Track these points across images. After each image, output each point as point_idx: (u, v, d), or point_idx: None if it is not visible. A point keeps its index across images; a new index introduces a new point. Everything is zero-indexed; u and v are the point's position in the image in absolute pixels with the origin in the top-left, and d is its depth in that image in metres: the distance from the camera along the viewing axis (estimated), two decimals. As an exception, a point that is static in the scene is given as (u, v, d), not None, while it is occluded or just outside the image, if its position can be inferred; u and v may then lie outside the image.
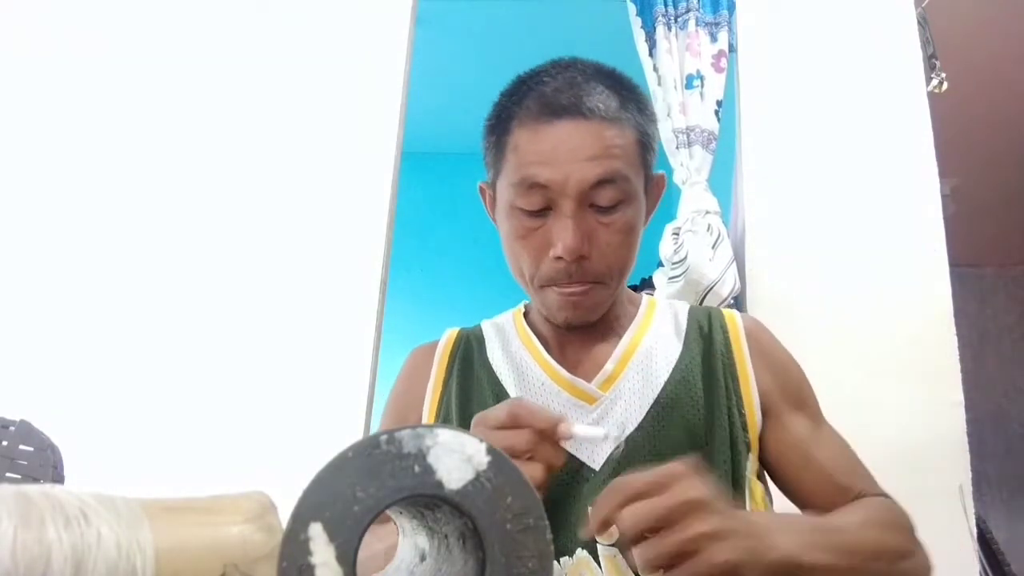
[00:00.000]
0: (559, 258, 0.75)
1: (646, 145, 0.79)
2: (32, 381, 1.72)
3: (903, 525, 0.73)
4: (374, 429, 1.52)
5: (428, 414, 0.87)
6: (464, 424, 0.77)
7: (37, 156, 1.96)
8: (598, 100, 0.75)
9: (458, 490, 0.39)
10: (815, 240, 1.87)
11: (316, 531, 0.36)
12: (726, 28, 2.00)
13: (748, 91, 1.99)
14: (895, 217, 1.86)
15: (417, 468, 0.39)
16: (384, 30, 2.04)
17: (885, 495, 0.79)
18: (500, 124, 0.80)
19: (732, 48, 2.01)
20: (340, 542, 0.36)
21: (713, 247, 1.81)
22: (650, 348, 0.84)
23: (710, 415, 0.79)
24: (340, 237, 1.88)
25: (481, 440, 0.40)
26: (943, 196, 1.89)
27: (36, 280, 1.85)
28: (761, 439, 0.81)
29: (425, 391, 0.88)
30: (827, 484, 0.79)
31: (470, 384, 0.87)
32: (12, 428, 1.21)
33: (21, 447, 1.20)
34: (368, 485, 0.37)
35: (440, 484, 0.39)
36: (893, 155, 1.91)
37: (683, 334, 0.85)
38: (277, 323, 1.82)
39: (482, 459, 0.40)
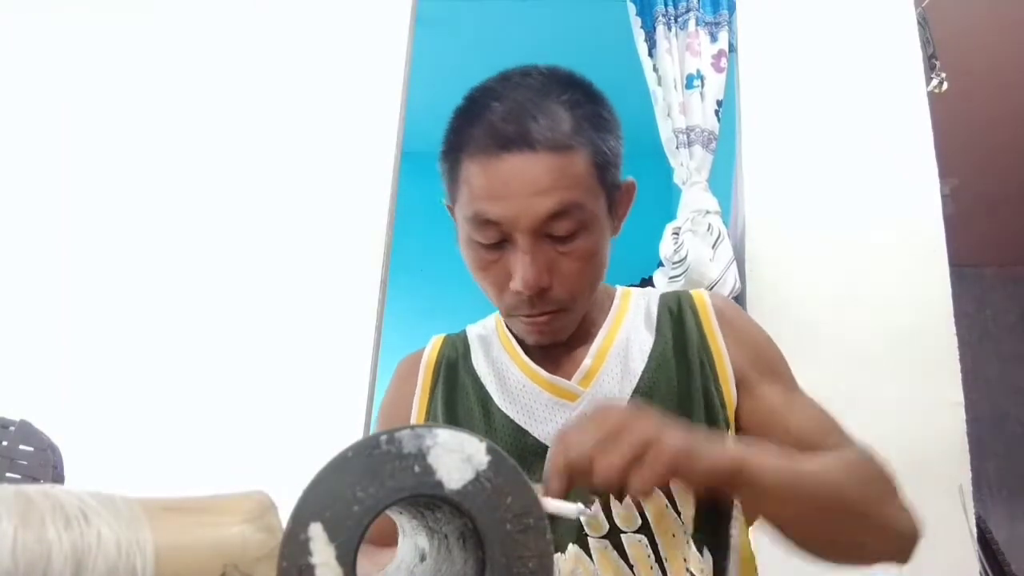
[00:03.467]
0: (519, 292, 0.75)
1: (604, 164, 0.76)
2: (32, 381, 1.72)
3: (883, 475, 0.73)
4: (374, 430, 1.52)
5: (416, 422, 0.87)
6: None
7: (39, 157, 1.96)
8: (546, 127, 0.72)
9: (458, 490, 0.39)
10: (815, 240, 1.86)
11: (316, 531, 0.36)
12: (726, 28, 2.00)
13: (748, 91, 1.99)
14: (895, 217, 1.86)
15: (417, 468, 0.38)
16: (384, 30, 2.04)
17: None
18: (451, 153, 0.79)
19: (732, 48, 2.01)
20: (340, 542, 0.36)
21: (713, 247, 1.81)
22: (626, 339, 0.84)
23: (687, 398, 0.79)
24: (340, 237, 1.88)
25: (481, 440, 0.40)
26: (943, 196, 1.89)
27: (36, 280, 1.85)
28: (737, 413, 0.80)
29: (412, 400, 0.88)
30: (803, 450, 0.76)
31: (455, 390, 0.87)
32: (12, 428, 1.20)
33: (21, 447, 1.20)
34: (368, 485, 0.37)
35: (440, 484, 0.39)
36: (893, 155, 1.90)
37: (654, 322, 0.86)
38: (277, 323, 1.82)
39: (482, 459, 0.40)
